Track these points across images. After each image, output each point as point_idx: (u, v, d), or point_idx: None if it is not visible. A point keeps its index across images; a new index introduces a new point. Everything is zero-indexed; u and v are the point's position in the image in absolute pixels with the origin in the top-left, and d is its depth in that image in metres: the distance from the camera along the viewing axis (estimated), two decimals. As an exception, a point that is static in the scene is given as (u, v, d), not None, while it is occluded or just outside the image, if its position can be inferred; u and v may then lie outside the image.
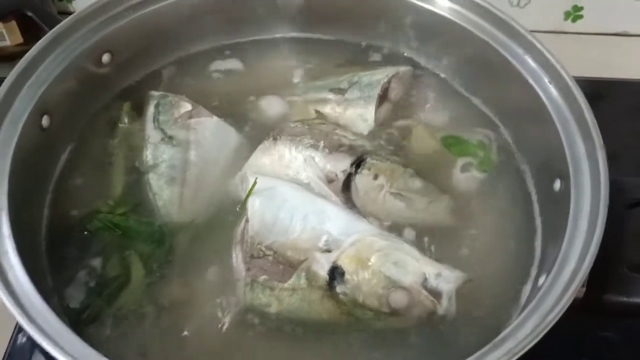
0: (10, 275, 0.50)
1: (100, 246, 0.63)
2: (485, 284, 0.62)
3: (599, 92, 0.88)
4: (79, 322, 0.58)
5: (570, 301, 0.50)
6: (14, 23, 0.91)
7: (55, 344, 0.46)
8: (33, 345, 0.68)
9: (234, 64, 0.80)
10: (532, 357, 0.48)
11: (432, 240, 0.64)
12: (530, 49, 0.68)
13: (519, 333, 0.49)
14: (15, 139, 0.59)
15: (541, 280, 0.57)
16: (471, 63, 0.75)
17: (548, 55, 0.66)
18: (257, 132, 0.72)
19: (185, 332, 0.59)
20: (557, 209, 0.61)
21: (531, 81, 0.67)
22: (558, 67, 0.65)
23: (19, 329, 0.69)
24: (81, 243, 0.63)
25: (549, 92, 0.66)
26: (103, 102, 0.74)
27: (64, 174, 0.68)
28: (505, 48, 0.70)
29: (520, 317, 0.50)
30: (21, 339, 0.69)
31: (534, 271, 0.63)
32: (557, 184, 0.62)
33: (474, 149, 0.72)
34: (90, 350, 0.47)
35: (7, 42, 0.93)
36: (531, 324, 0.49)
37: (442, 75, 0.78)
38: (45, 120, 0.64)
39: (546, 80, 0.66)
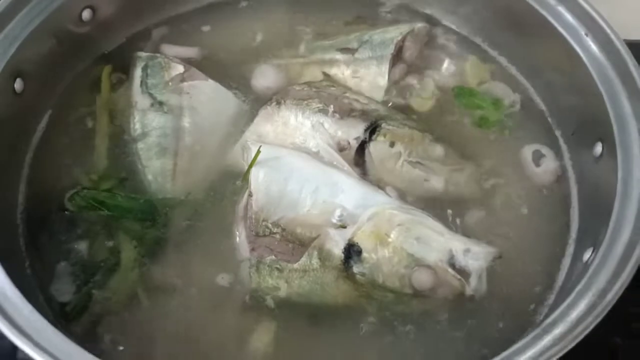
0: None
1: (84, 227, 0.57)
2: (515, 260, 0.57)
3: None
4: (64, 315, 0.52)
5: (631, 277, 0.44)
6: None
7: (29, 338, 0.39)
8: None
9: (230, 23, 0.72)
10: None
11: (456, 213, 0.59)
12: (564, -3, 0.61)
13: (571, 315, 0.42)
14: (-18, 105, 0.51)
15: (587, 255, 0.51)
16: (494, 16, 0.68)
17: (584, 5, 0.59)
18: (257, 98, 0.65)
19: (183, 320, 0.53)
20: (597, 175, 0.56)
21: (565, 34, 0.60)
22: (597, 17, 0.59)
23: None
24: (63, 224, 0.57)
25: (586, 46, 0.59)
26: (84, 64, 0.66)
27: (41, 145, 0.61)
28: (533, -3, 0.63)
29: (571, 297, 0.44)
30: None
31: (571, 245, 0.57)
32: (598, 148, 0.57)
33: (483, 103, 0.66)
34: (72, 345, 0.40)
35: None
36: (584, 304, 0.43)
37: (462, 32, 0.71)
38: (18, 84, 0.57)
39: (582, 33, 0.59)
